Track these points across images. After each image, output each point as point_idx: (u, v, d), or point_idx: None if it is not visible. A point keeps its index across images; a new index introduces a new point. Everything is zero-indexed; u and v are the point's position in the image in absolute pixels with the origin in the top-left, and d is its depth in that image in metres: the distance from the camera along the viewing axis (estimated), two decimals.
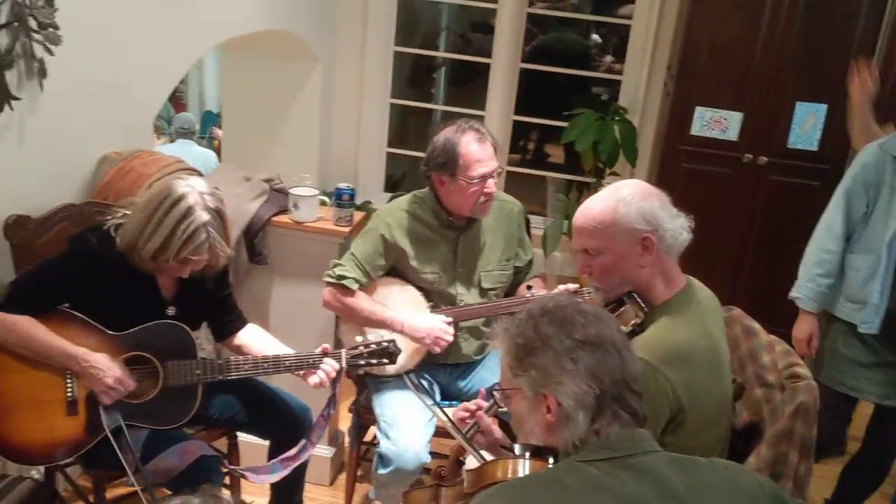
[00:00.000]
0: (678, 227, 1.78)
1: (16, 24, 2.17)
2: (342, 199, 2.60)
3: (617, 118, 3.96)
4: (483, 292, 2.51)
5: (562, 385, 1.35)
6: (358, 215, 2.69)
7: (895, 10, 3.24)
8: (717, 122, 3.60)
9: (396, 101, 4.41)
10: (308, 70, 3.96)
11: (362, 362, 2.20)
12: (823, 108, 3.46)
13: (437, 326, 2.36)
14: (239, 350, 2.29)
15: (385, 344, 2.20)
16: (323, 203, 2.67)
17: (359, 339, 2.23)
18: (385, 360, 2.20)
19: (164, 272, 2.06)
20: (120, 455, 1.90)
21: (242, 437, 2.45)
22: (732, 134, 3.59)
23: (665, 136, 3.77)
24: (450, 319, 2.40)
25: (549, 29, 5.74)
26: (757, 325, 2.13)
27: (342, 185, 2.61)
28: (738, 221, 3.70)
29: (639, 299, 1.76)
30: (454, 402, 2.54)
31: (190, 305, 2.16)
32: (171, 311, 2.13)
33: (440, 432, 2.44)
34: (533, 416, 1.41)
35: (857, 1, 3.27)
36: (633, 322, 1.73)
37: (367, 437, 2.75)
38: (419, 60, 5.58)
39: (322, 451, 2.89)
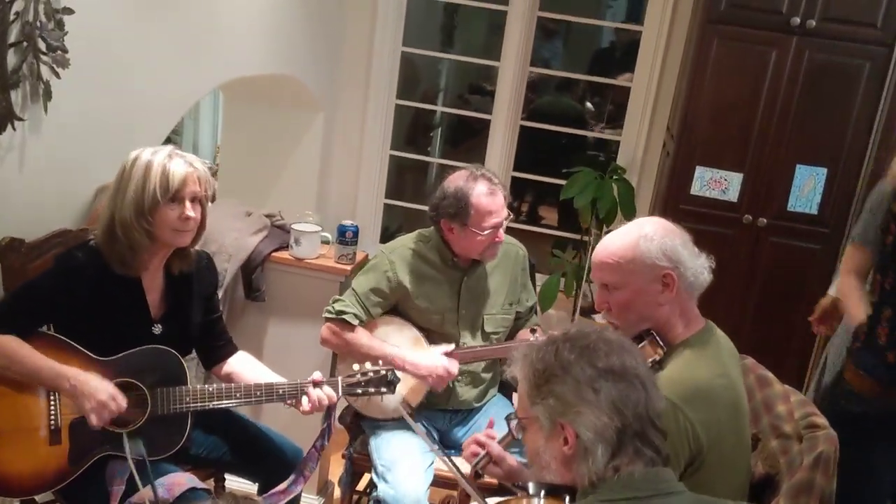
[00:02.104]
0: (699, 266, 1.76)
1: (25, 43, 2.14)
2: (345, 237, 2.56)
3: (615, 177, 3.97)
4: (485, 336, 2.45)
5: (581, 415, 1.28)
6: (360, 254, 2.64)
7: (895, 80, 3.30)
8: (717, 183, 3.60)
9: (396, 153, 4.40)
10: (310, 118, 3.96)
11: (359, 391, 2.11)
12: (823, 171, 3.47)
13: (441, 364, 2.29)
14: (228, 379, 2.20)
15: (383, 372, 2.10)
16: (325, 242, 2.61)
17: (356, 366, 2.15)
18: (384, 389, 2.11)
19: (160, 243, 2.00)
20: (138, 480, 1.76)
21: (230, 479, 2.34)
22: (732, 195, 3.59)
23: (665, 195, 3.77)
24: (451, 348, 2.33)
25: (545, 94, 5.84)
26: (771, 375, 2.07)
27: (346, 223, 2.57)
28: (737, 282, 3.67)
29: (657, 337, 1.71)
30: (452, 451, 2.45)
31: (178, 325, 2.09)
32: (157, 329, 2.06)
33: (440, 481, 2.35)
34: (549, 448, 1.34)
35: (859, 65, 3.31)
36: (651, 359, 1.68)
37: (360, 486, 2.64)
38: (417, 120, 5.63)
39: (311, 501, 2.76)
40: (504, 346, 2.40)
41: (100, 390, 1.89)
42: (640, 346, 1.69)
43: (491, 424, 1.85)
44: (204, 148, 7.13)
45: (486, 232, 2.29)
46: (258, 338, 2.68)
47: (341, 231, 2.56)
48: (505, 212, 2.34)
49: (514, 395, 1.87)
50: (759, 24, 3.39)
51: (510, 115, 4.21)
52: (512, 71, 4.14)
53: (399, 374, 2.25)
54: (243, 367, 2.23)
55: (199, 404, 2.01)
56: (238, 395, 2.04)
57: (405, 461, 2.28)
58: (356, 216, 4.36)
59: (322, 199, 4.18)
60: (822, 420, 1.86)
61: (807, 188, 3.54)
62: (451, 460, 1.75)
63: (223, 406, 2.04)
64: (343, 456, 2.51)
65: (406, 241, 2.44)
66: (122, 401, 1.92)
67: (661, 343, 1.71)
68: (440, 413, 2.47)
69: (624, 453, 1.27)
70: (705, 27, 3.47)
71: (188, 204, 1.96)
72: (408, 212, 4.70)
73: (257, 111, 3.89)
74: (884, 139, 3.35)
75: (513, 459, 1.70)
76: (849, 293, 2.39)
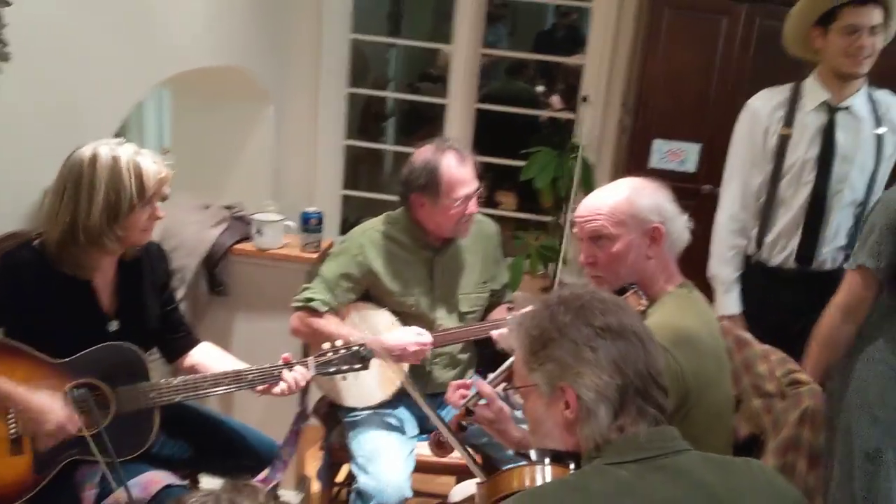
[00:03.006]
0: (682, 224, 1.82)
1: None
2: (309, 224, 2.49)
3: (574, 155, 3.96)
4: (461, 316, 2.41)
5: (581, 377, 1.24)
6: (326, 241, 2.57)
7: None
8: (675, 154, 3.61)
9: (351, 143, 4.33)
10: (260, 110, 3.86)
11: (332, 369, 2.05)
12: None
13: (410, 339, 2.23)
14: (193, 370, 2.12)
15: (356, 347, 2.04)
16: (288, 230, 2.54)
17: (325, 345, 2.09)
18: (357, 365, 2.05)
19: (120, 246, 1.91)
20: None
21: (206, 479, 2.26)
22: (691, 165, 3.60)
23: (624, 170, 3.77)
24: (426, 335, 2.28)
25: (497, 79, 5.82)
26: (749, 335, 2.07)
27: (309, 210, 2.50)
28: (697, 253, 3.68)
29: (640, 291, 1.72)
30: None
31: (134, 320, 2.01)
32: (113, 325, 1.97)
33: (421, 466, 2.30)
34: (551, 414, 1.30)
35: None
36: (636, 310, 1.67)
37: (339, 478, 2.58)
38: (368, 110, 5.56)
39: (288, 497, 2.69)
40: (480, 326, 2.36)
41: (51, 417, 1.79)
42: (624, 297, 1.69)
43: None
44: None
45: (457, 203, 2.24)
46: (224, 333, 2.60)
47: (305, 218, 2.50)
48: (475, 183, 2.29)
49: (490, 376, 1.85)
50: None
51: (465, 99, 4.17)
52: (465, 53, 4.09)
53: (374, 361, 2.20)
54: (207, 357, 2.15)
55: (165, 399, 1.93)
56: (206, 385, 1.96)
57: (386, 451, 2.23)
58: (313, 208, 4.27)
59: (278, 194, 4.08)
60: (804, 376, 1.87)
61: None
62: (448, 427, 1.73)
63: (191, 398, 1.96)
64: (321, 448, 2.45)
65: (374, 224, 2.38)
66: (74, 424, 1.81)
67: (643, 296, 1.72)
68: None
69: (627, 413, 1.24)
70: None
71: (158, 204, 1.90)
72: (366, 202, 4.64)
73: (206, 106, 3.77)
74: None
75: (502, 403, 1.69)
76: None
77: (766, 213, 2.59)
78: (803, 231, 2.54)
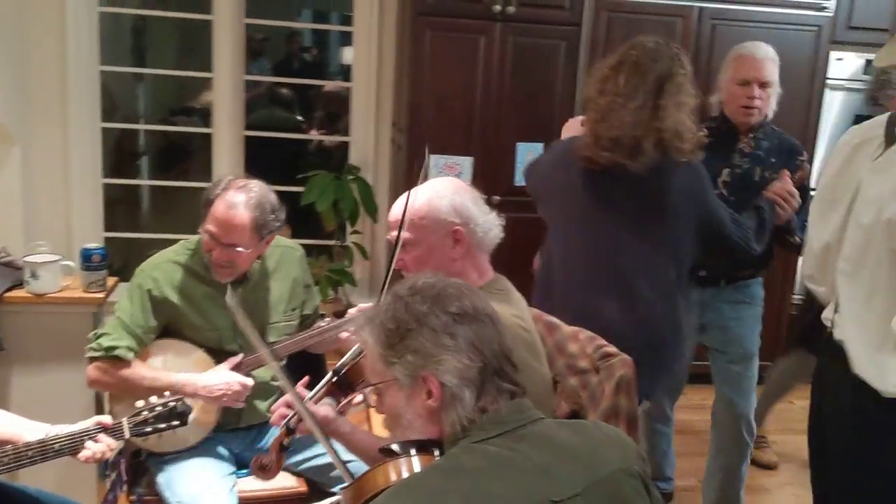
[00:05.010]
0: (489, 222, 1.84)
1: None
2: (91, 261, 2.28)
3: (351, 177, 3.99)
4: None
5: (442, 364, 1.27)
6: (111, 280, 2.37)
7: (587, 55, 3.68)
8: (451, 168, 3.77)
9: (110, 181, 4.03)
10: (4, 151, 3.48)
11: (149, 429, 1.90)
12: (540, 146, 3.77)
13: (235, 379, 2.13)
14: None
15: (172, 403, 1.92)
16: (68, 271, 2.31)
17: (139, 403, 1.93)
18: (175, 422, 1.92)
19: None
20: None
21: None
22: (466, 177, 3.78)
23: (404, 186, 3.86)
24: (239, 358, 2.18)
25: (256, 109, 5.74)
26: (556, 320, 2.19)
27: (90, 246, 2.30)
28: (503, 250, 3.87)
29: None
30: (248, 471, 2.29)
31: None
32: None
33: (245, 502, 2.18)
34: (412, 406, 1.30)
35: (556, 45, 3.65)
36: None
37: None
38: (120, 147, 5.21)
39: None
40: (293, 340, 2.27)
41: None
42: None
43: (306, 384, 1.79)
44: None
45: (206, 237, 2.13)
46: (1, 395, 2.29)
47: (86, 255, 2.28)
48: (237, 236, 2.11)
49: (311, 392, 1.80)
50: (465, 13, 3.61)
51: (233, 127, 4.05)
52: (228, 80, 3.99)
53: (189, 400, 2.05)
54: None
55: None
56: (6, 460, 1.72)
57: (206, 491, 2.09)
58: (73, 255, 3.91)
59: (32, 244, 3.69)
60: (612, 349, 2.01)
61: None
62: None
63: None
64: (129, 502, 2.23)
65: (168, 255, 2.22)
66: None
67: None
68: (232, 434, 2.29)
69: (488, 393, 1.28)
70: (416, 20, 3.61)
71: None
72: (131, 244, 4.33)
73: None
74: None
75: (324, 409, 1.65)
76: None
77: None
78: None
